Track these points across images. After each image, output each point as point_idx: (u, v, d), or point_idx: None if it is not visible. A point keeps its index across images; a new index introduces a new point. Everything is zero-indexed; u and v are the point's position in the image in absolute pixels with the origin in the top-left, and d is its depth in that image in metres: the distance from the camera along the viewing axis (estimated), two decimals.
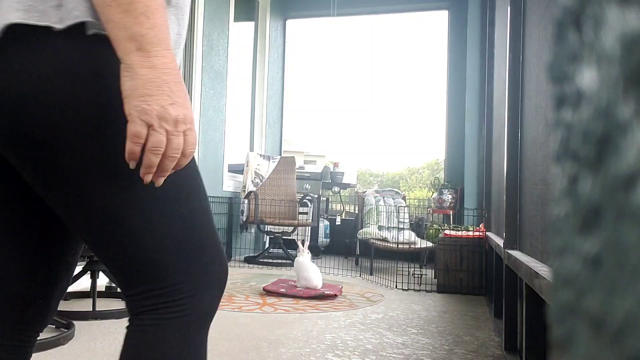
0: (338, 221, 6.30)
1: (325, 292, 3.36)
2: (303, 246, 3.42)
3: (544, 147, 1.60)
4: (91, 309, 2.57)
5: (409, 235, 4.93)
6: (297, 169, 5.77)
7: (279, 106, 6.87)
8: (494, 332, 2.66)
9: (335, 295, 3.38)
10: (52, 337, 2.05)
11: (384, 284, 4.11)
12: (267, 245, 5.63)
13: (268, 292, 3.38)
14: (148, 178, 0.66)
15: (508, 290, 2.21)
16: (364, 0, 6.57)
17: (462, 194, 5.65)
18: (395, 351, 2.22)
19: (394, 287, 3.97)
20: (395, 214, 5.46)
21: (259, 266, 4.84)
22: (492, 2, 4.14)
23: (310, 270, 3.41)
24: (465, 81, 5.69)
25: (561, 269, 0.27)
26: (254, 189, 5.27)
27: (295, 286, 3.51)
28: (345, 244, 5.93)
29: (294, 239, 5.74)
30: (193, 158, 0.74)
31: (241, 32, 6.08)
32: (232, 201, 5.19)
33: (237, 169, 5.56)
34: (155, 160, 0.64)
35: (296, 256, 3.50)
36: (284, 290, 3.38)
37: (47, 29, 0.65)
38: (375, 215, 5.42)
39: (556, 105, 0.28)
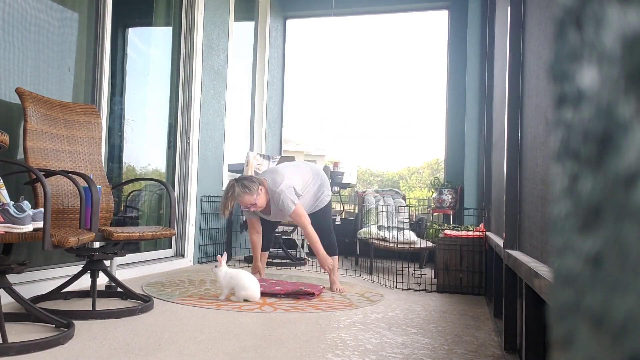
0: (338, 221, 6.30)
1: (303, 289, 3.33)
2: (222, 258, 3.12)
3: (544, 147, 1.60)
4: (91, 309, 2.57)
5: (408, 235, 4.92)
6: None
7: (279, 106, 6.86)
8: (494, 332, 2.66)
9: (314, 294, 3.33)
10: (52, 336, 2.05)
11: (383, 283, 4.11)
12: None
13: None
14: None
15: (508, 290, 2.21)
16: (363, 0, 6.57)
17: (462, 193, 5.65)
18: (395, 351, 2.22)
19: (394, 286, 3.97)
20: (395, 213, 5.46)
21: None
22: (492, 2, 4.14)
23: (245, 279, 3.12)
24: (465, 81, 5.69)
25: (561, 269, 0.27)
26: None
27: (276, 285, 3.49)
28: (345, 243, 5.93)
29: (294, 239, 5.75)
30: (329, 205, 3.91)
31: (241, 31, 6.08)
32: None
33: (237, 169, 5.56)
34: None
35: (216, 268, 3.13)
36: (262, 289, 3.34)
37: None
38: (375, 215, 5.41)
39: (557, 104, 0.28)
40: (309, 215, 3.71)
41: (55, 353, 1.96)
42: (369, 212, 5.47)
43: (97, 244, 3.10)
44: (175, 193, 4.53)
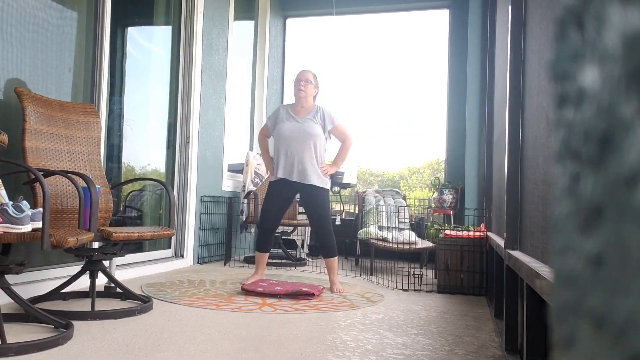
0: (338, 221, 6.29)
1: (303, 290, 3.33)
2: None
3: (545, 147, 1.60)
4: (90, 309, 2.57)
5: (409, 235, 4.92)
6: None
7: (278, 106, 6.86)
8: (495, 332, 2.65)
9: (314, 294, 3.33)
10: (51, 337, 2.05)
11: (384, 284, 4.11)
12: None
13: (246, 291, 3.36)
14: None
15: (509, 291, 2.21)
16: None
17: (462, 193, 5.65)
18: (396, 351, 2.22)
19: (394, 287, 3.97)
20: (395, 213, 5.46)
21: None
22: (493, 1, 4.14)
23: None
24: (466, 80, 5.69)
25: (562, 269, 0.27)
26: (254, 188, 5.27)
27: (275, 284, 3.50)
28: (345, 244, 5.93)
29: (294, 239, 5.75)
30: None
31: (241, 31, 6.07)
32: (231, 201, 5.19)
33: (236, 169, 5.56)
34: None
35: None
36: (261, 289, 3.34)
37: None
38: (375, 215, 5.41)
39: (558, 104, 0.28)
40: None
41: (54, 354, 1.96)
42: (369, 212, 5.47)
43: (96, 244, 3.10)
44: (175, 193, 4.53)
